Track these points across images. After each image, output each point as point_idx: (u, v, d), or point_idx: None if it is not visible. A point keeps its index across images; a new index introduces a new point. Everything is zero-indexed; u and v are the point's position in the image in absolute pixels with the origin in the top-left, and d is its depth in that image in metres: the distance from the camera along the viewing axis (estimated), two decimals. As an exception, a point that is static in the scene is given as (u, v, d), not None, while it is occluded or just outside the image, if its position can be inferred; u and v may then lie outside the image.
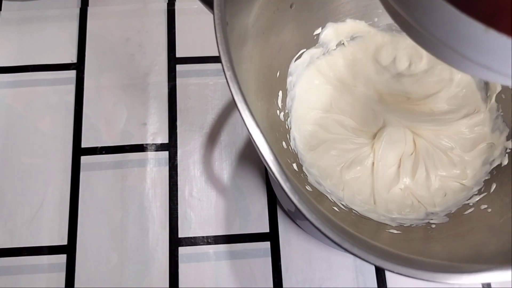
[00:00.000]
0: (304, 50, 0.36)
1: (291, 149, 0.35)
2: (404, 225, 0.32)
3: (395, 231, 0.31)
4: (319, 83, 0.38)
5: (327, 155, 0.36)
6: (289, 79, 0.36)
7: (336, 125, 0.37)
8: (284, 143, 0.34)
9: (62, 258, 0.40)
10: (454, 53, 0.15)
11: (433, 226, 0.32)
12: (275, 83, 0.34)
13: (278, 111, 0.34)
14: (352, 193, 0.34)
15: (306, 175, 0.34)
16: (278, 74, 0.34)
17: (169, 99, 0.45)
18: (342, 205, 0.33)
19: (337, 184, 0.35)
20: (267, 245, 0.41)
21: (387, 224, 0.32)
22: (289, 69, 0.36)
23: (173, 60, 0.46)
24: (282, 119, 0.35)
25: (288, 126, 0.35)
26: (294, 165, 0.34)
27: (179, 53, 0.46)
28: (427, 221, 0.32)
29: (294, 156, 0.35)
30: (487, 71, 0.15)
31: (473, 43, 0.15)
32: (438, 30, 0.15)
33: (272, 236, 0.41)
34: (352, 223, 0.31)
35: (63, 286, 0.40)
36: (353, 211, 0.33)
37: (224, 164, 0.43)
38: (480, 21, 0.14)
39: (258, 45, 0.29)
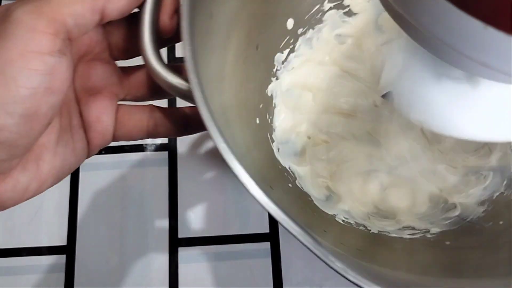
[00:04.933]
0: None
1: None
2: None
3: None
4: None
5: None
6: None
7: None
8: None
9: (61, 258, 0.40)
10: (453, 51, 0.15)
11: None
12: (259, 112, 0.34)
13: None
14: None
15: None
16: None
17: (169, 99, 0.45)
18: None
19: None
20: (267, 245, 0.41)
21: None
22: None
23: (172, 60, 0.46)
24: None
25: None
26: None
27: (178, 53, 0.46)
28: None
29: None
30: (485, 69, 0.15)
31: (471, 41, 0.14)
32: (437, 28, 0.15)
33: (272, 237, 0.41)
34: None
35: (63, 286, 0.40)
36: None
37: (224, 164, 0.43)
38: (479, 19, 0.14)
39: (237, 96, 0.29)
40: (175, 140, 0.44)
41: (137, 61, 0.24)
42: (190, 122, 0.24)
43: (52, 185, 0.21)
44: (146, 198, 0.42)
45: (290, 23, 0.35)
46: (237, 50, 0.28)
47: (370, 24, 0.38)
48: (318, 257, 0.18)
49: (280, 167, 0.33)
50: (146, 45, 0.21)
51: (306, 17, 0.36)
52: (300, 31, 0.36)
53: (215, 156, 0.44)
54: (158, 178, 0.43)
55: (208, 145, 0.44)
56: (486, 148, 0.35)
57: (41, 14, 0.17)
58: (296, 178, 0.34)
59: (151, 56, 0.21)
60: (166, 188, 0.42)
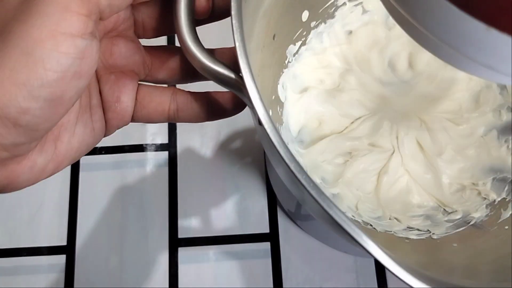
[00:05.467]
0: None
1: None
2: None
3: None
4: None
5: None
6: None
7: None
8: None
9: (61, 258, 0.40)
10: (455, 52, 0.15)
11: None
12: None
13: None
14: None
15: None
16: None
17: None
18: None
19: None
20: (267, 245, 0.41)
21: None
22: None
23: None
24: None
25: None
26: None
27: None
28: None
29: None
30: (488, 70, 0.15)
31: (474, 42, 0.14)
32: (439, 29, 0.15)
33: (272, 237, 0.41)
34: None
35: (63, 286, 0.39)
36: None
37: (224, 164, 0.43)
38: (481, 20, 0.14)
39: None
40: (175, 140, 0.44)
41: (157, 41, 0.23)
42: (216, 108, 0.23)
43: (68, 165, 0.21)
44: (146, 198, 0.42)
45: (305, 15, 0.35)
46: (258, 38, 0.27)
47: (382, 21, 0.38)
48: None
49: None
50: (182, 26, 0.19)
51: (321, 10, 0.36)
52: (313, 24, 0.36)
53: (215, 156, 0.44)
54: (158, 178, 0.43)
55: (208, 145, 0.44)
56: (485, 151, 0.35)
57: None
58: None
59: (188, 37, 0.20)
60: (166, 188, 0.42)
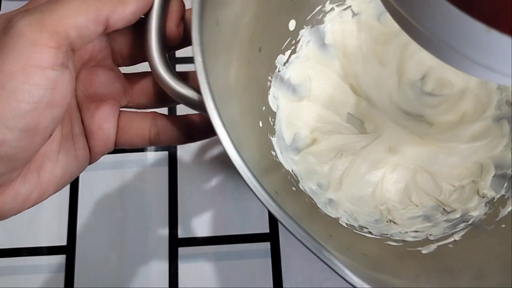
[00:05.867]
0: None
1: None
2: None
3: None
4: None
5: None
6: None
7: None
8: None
9: (61, 258, 0.40)
10: (456, 53, 0.15)
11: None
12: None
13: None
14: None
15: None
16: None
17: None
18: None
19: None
20: (267, 245, 0.41)
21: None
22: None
23: (173, 60, 0.46)
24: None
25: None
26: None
27: (178, 53, 0.46)
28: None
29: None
30: (488, 71, 0.15)
31: (474, 43, 0.14)
32: (440, 30, 0.15)
33: (272, 237, 0.41)
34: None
35: (63, 286, 0.39)
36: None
37: (224, 163, 0.43)
38: (482, 21, 0.14)
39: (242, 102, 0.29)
40: (175, 140, 0.44)
41: (141, 67, 0.23)
42: (194, 130, 0.23)
43: (53, 193, 0.21)
44: (146, 198, 0.42)
45: (292, 24, 0.35)
46: (240, 54, 0.28)
47: (372, 23, 0.38)
48: (326, 263, 0.17)
49: (283, 170, 0.33)
50: (153, 54, 0.20)
51: (308, 18, 0.36)
52: (301, 32, 0.36)
53: (215, 156, 0.44)
54: (158, 178, 0.43)
55: (208, 144, 0.44)
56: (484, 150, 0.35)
57: (43, 27, 0.17)
58: (299, 181, 0.34)
59: (159, 64, 0.20)
60: (166, 188, 0.42)
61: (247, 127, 0.29)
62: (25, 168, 0.19)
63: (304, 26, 0.36)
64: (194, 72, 0.23)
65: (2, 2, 0.48)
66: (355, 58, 0.38)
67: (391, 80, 0.37)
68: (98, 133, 0.22)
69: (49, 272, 0.40)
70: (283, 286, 0.40)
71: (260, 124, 0.32)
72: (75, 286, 0.40)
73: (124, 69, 0.24)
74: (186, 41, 0.22)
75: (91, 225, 0.41)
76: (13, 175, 0.19)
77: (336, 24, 0.37)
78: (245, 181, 0.18)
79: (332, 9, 0.37)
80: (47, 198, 0.21)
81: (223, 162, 0.43)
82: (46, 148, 0.20)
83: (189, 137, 0.23)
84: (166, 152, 0.43)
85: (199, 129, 0.23)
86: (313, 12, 0.36)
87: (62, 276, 0.40)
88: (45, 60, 0.17)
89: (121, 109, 0.23)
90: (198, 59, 0.19)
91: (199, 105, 0.19)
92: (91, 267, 0.40)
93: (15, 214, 0.20)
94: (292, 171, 0.34)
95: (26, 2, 0.48)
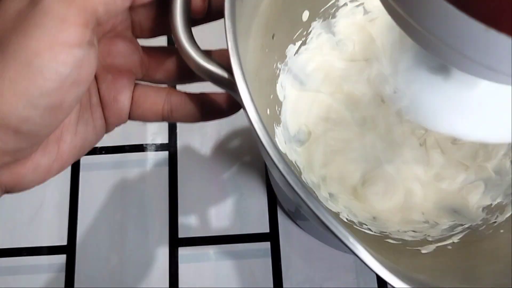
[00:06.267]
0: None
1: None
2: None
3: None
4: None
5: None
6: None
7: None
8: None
9: (61, 258, 0.40)
10: (454, 53, 0.15)
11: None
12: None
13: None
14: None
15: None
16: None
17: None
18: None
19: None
20: (267, 245, 0.41)
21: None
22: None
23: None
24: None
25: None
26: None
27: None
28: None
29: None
30: (487, 70, 0.15)
31: (473, 43, 0.14)
32: (438, 29, 0.15)
33: (272, 236, 0.41)
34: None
35: (63, 286, 0.40)
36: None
37: (224, 163, 0.43)
38: (481, 21, 0.14)
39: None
40: (175, 140, 0.44)
41: (158, 42, 0.23)
42: (209, 109, 0.23)
43: (73, 162, 0.21)
44: (146, 198, 0.42)
45: (305, 15, 0.35)
46: (256, 37, 0.27)
47: (383, 21, 0.38)
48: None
49: (286, 160, 0.33)
50: (178, 26, 0.20)
51: (321, 10, 0.36)
52: (313, 24, 0.36)
53: (215, 155, 0.44)
54: (158, 178, 0.43)
55: (208, 144, 0.44)
56: (482, 156, 0.35)
57: (72, 2, 0.16)
58: (301, 173, 0.34)
59: (183, 37, 0.20)
60: (166, 188, 0.42)
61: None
62: (44, 141, 0.19)
63: (317, 19, 0.36)
64: (217, 51, 0.23)
65: None
66: (364, 53, 0.38)
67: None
68: (112, 104, 0.22)
69: (49, 272, 0.40)
70: (283, 286, 0.40)
71: (268, 112, 0.32)
72: (75, 286, 0.40)
73: (142, 42, 0.23)
74: (210, 15, 0.22)
75: (92, 225, 0.41)
76: (34, 149, 0.19)
77: (348, 20, 0.37)
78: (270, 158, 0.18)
79: (345, 4, 0.37)
80: (67, 167, 0.21)
81: (223, 162, 0.43)
82: (66, 120, 0.20)
83: (204, 115, 0.23)
84: (166, 152, 0.44)
85: (216, 107, 0.23)
86: (327, 5, 0.36)
87: (62, 276, 0.40)
88: (72, 38, 0.16)
89: (137, 82, 0.23)
90: (229, 35, 0.19)
91: (226, 83, 0.19)
92: (91, 267, 0.40)
93: (38, 184, 0.20)
94: (295, 162, 0.34)
95: None
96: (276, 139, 0.33)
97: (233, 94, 0.21)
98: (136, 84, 0.23)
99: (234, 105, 0.23)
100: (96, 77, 0.21)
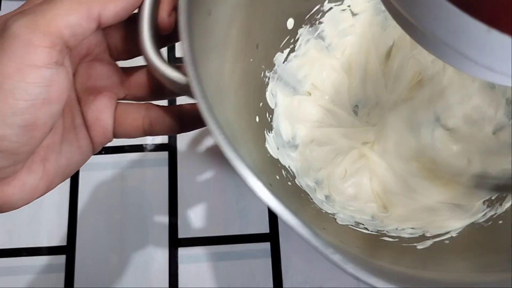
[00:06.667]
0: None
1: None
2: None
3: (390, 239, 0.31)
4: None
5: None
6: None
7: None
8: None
9: (61, 258, 0.40)
10: (456, 53, 0.15)
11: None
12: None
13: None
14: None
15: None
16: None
17: (168, 99, 0.45)
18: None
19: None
20: (267, 245, 0.41)
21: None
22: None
23: (172, 60, 0.46)
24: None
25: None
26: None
27: (178, 54, 0.46)
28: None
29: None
30: (488, 71, 0.15)
31: (475, 44, 0.14)
32: (440, 30, 0.15)
33: (272, 237, 0.41)
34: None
35: (63, 286, 0.39)
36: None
37: (224, 164, 0.43)
38: (482, 21, 0.14)
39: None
40: (175, 140, 0.44)
41: (138, 61, 0.24)
42: (187, 119, 0.24)
43: (61, 182, 0.22)
44: (146, 198, 0.42)
45: (290, 23, 0.35)
46: (237, 49, 0.28)
47: (371, 23, 0.38)
48: (317, 250, 0.17)
49: (279, 165, 0.33)
50: (145, 40, 0.21)
51: (307, 17, 0.36)
52: (300, 31, 0.36)
53: (215, 155, 0.44)
54: (158, 178, 0.43)
55: (208, 144, 0.44)
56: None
57: (37, 27, 0.18)
58: (295, 177, 0.34)
59: (150, 50, 0.21)
60: (166, 188, 0.42)
61: (244, 122, 0.29)
62: (29, 160, 0.20)
63: (303, 26, 0.36)
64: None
65: (2, 2, 0.48)
66: (354, 56, 0.38)
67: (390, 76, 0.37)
68: (96, 124, 0.22)
69: (49, 272, 0.40)
70: (283, 286, 0.40)
71: (257, 120, 0.33)
72: (75, 286, 0.40)
73: (123, 63, 0.24)
74: (179, 33, 0.23)
75: (91, 225, 0.41)
76: (17, 167, 0.19)
77: (335, 24, 0.37)
78: (227, 158, 0.18)
79: (331, 8, 0.37)
80: (56, 186, 0.22)
81: (223, 162, 0.43)
82: (49, 140, 0.21)
83: (182, 127, 0.24)
84: (166, 152, 0.43)
85: (192, 118, 0.24)
86: (312, 12, 0.36)
87: (62, 276, 0.40)
88: (39, 59, 0.18)
89: (119, 101, 0.24)
90: (184, 41, 0.19)
91: (188, 89, 0.19)
92: (91, 267, 0.40)
93: (26, 204, 0.21)
94: (288, 167, 0.34)
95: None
96: (267, 145, 0.33)
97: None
98: (117, 104, 0.24)
99: None
100: (78, 100, 0.23)
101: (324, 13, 0.37)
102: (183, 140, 0.44)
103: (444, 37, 0.15)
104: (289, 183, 0.33)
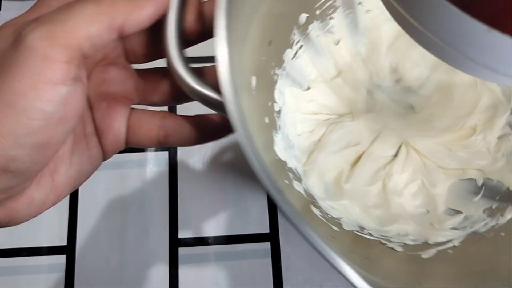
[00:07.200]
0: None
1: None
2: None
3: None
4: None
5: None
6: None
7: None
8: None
9: (61, 258, 0.40)
10: (456, 54, 0.15)
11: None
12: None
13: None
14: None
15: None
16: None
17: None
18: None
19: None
20: (267, 245, 0.41)
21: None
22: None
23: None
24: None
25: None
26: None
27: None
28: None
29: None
30: (489, 71, 0.15)
31: (475, 44, 0.14)
32: (440, 30, 0.15)
33: (272, 237, 0.41)
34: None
35: (63, 286, 0.39)
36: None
37: (224, 164, 0.43)
38: (483, 22, 0.14)
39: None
40: (175, 140, 0.44)
41: (153, 63, 0.23)
42: (205, 132, 0.23)
43: (70, 193, 0.21)
44: (146, 198, 0.42)
45: (302, 18, 0.35)
46: (253, 47, 0.27)
47: (381, 19, 0.38)
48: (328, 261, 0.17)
49: (286, 167, 0.33)
50: (171, 50, 0.19)
51: (318, 12, 0.36)
52: (311, 26, 0.36)
53: (215, 156, 0.44)
54: (158, 178, 0.43)
55: (209, 144, 0.44)
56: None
57: (55, 40, 0.16)
58: (301, 179, 0.34)
59: (177, 61, 0.19)
60: (166, 188, 0.42)
61: (255, 123, 0.29)
62: (38, 175, 0.19)
63: (314, 21, 0.36)
64: (210, 68, 0.22)
65: (2, 2, 0.48)
66: (366, 53, 0.38)
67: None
68: (108, 132, 0.21)
69: (49, 272, 0.40)
70: (283, 286, 0.40)
71: (267, 121, 0.32)
72: (75, 286, 0.40)
73: (138, 66, 0.23)
74: (204, 35, 0.21)
75: (91, 225, 0.41)
76: (26, 185, 0.18)
77: (346, 20, 0.37)
78: (263, 183, 0.18)
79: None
80: (64, 198, 0.21)
81: (223, 162, 0.43)
82: (59, 152, 0.19)
83: (200, 139, 0.23)
84: (166, 153, 0.43)
85: (210, 130, 0.23)
86: (324, 7, 0.36)
87: (62, 276, 0.40)
88: (56, 75, 0.16)
89: (133, 107, 0.23)
90: (223, 54, 0.18)
91: (219, 106, 0.19)
92: (91, 267, 0.40)
93: (34, 217, 0.20)
94: (295, 169, 0.34)
95: (26, 2, 0.47)
96: (276, 147, 0.32)
97: (226, 116, 0.20)
98: (131, 110, 0.22)
99: (229, 126, 0.23)
100: (90, 106, 0.21)
101: (336, 8, 0.36)
102: (183, 140, 0.44)
103: (445, 37, 0.15)
104: (296, 187, 0.33)
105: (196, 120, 0.22)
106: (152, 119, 0.22)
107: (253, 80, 0.28)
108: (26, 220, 0.19)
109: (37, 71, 0.16)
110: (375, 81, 0.38)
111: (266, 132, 0.32)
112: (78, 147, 0.20)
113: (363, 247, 0.30)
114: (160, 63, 0.22)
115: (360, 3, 0.37)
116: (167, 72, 0.22)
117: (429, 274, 0.28)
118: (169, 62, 0.20)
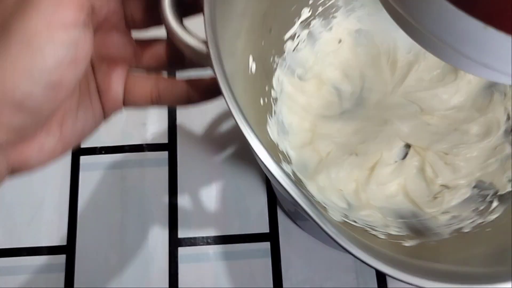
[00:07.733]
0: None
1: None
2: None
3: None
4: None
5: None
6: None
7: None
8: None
9: (61, 258, 0.40)
10: (453, 51, 0.15)
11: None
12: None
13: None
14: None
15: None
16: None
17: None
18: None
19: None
20: (267, 245, 0.41)
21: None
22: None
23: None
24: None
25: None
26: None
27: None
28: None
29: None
30: (486, 69, 0.15)
31: (472, 41, 0.14)
32: (437, 27, 0.15)
33: (272, 237, 0.41)
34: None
35: (63, 286, 0.40)
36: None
37: (224, 164, 0.43)
38: (479, 19, 0.14)
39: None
40: (175, 140, 0.44)
41: (152, 35, 0.24)
42: (194, 92, 0.24)
43: (76, 144, 0.22)
44: (146, 198, 0.42)
45: (305, 12, 0.35)
46: (251, 29, 0.28)
47: (383, 16, 0.38)
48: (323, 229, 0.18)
49: (277, 149, 0.33)
50: (166, 7, 0.21)
51: (321, 8, 0.36)
52: (313, 22, 0.36)
53: (215, 156, 0.44)
54: (158, 178, 0.43)
55: (208, 145, 0.44)
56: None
57: None
58: (291, 163, 0.34)
59: (170, 16, 0.21)
60: (166, 188, 0.42)
61: (248, 103, 0.29)
62: (48, 123, 0.21)
63: (316, 17, 0.36)
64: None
65: None
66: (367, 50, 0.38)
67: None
68: (107, 92, 0.23)
69: (49, 272, 0.40)
70: (283, 286, 0.40)
71: (261, 103, 0.33)
72: (75, 286, 0.40)
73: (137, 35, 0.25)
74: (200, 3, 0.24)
75: (91, 225, 0.41)
76: (37, 128, 0.20)
77: (348, 20, 0.37)
78: (242, 131, 0.18)
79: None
80: (70, 149, 0.22)
81: (224, 162, 0.43)
82: (66, 105, 0.21)
83: (189, 98, 0.24)
84: (166, 152, 0.44)
85: (201, 89, 0.24)
86: (327, 5, 0.36)
87: (62, 276, 0.40)
88: (68, 18, 0.18)
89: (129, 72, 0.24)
90: (207, 11, 0.20)
91: (205, 57, 0.20)
92: (91, 267, 0.40)
93: (42, 166, 0.21)
94: (286, 152, 0.34)
95: None
96: (268, 128, 0.33)
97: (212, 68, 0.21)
98: (128, 74, 0.24)
99: (217, 89, 0.24)
100: (92, 66, 0.23)
101: (338, 8, 0.37)
102: (183, 140, 0.44)
103: (441, 35, 0.15)
104: (285, 169, 0.33)
105: (185, 83, 0.24)
106: (146, 81, 0.24)
107: (250, 59, 0.29)
108: (36, 167, 0.21)
109: (50, 13, 0.18)
110: (375, 81, 0.38)
111: (261, 113, 0.33)
112: (83, 103, 0.22)
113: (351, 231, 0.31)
114: (157, 35, 0.24)
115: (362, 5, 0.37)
116: (163, 41, 0.25)
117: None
118: (164, 19, 0.21)
